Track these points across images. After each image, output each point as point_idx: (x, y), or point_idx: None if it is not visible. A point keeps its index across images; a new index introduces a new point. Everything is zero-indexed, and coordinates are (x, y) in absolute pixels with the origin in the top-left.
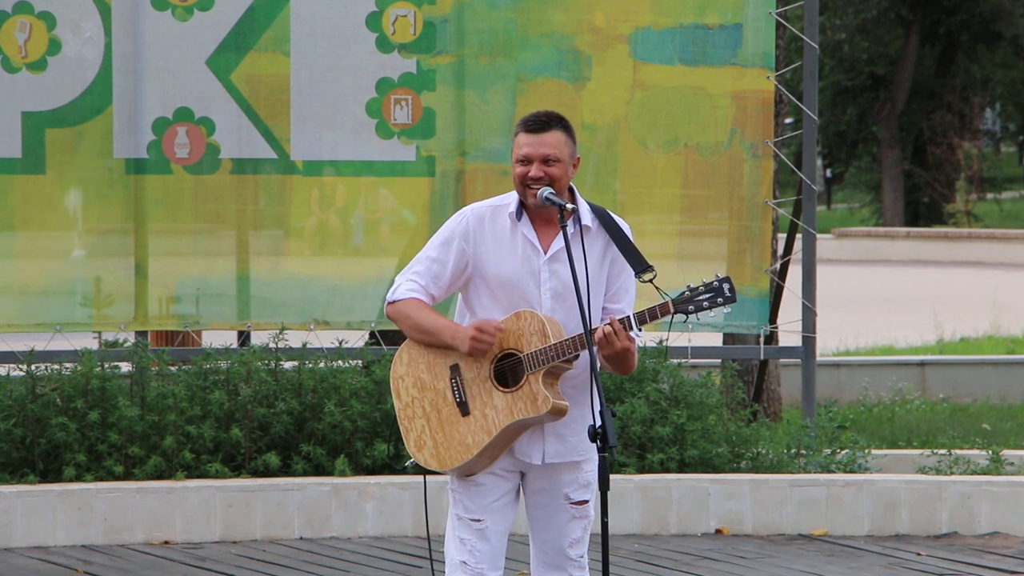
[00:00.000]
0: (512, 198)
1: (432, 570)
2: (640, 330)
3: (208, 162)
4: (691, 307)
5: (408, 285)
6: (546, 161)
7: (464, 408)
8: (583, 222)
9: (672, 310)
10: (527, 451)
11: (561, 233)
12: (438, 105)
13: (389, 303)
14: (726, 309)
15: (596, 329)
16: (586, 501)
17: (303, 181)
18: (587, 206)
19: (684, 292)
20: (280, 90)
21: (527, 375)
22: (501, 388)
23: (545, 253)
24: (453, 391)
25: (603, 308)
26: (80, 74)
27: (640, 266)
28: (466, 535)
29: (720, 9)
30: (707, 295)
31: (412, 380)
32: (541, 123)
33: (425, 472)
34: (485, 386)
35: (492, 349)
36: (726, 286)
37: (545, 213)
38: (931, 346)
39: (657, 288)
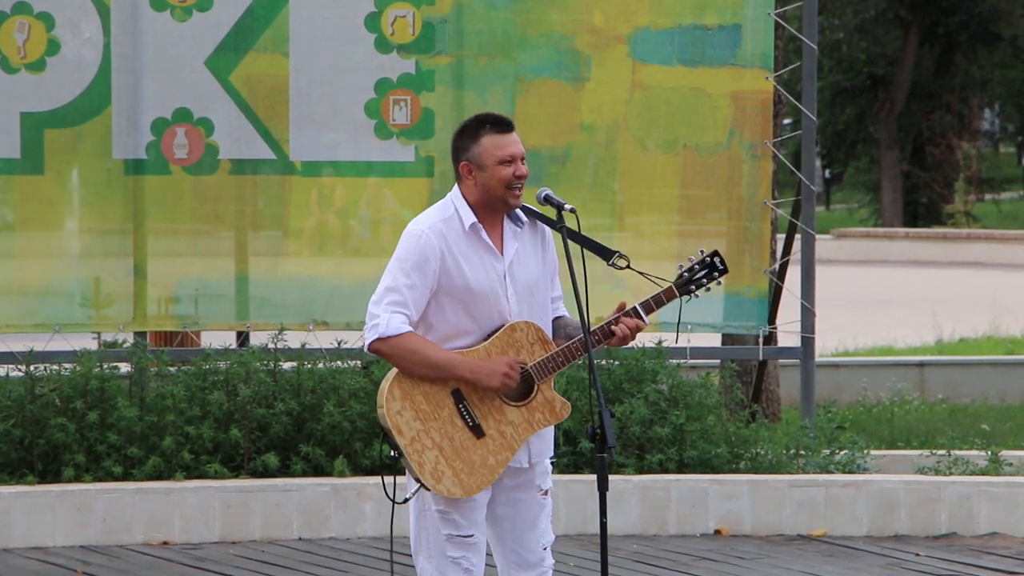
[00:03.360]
0: (450, 206)
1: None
2: (646, 320)
3: (207, 162)
4: (692, 286)
5: (398, 319)
6: (523, 159)
7: (478, 431)
8: (523, 219)
9: (677, 294)
10: (518, 456)
11: (510, 233)
12: (437, 105)
13: (380, 339)
14: (720, 281)
15: (597, 329)
16: (550, 487)
17: (302, 181)
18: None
19: (681, 275)
20: (279, 91)
21: (538, 385)
22: (512, 403)
23: (503, 255)
24: (462, 416)
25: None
26: (79, 75)
27: (608, 254)
28: (460, 552)
29: (719, 10)
30: (703, 272)
31: (412, 414)
32: (508, 123)
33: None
34: (495, 404)
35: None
36: (716, 259)
37: (493, 216)
38: (930, 347)
39: (642, 273)
